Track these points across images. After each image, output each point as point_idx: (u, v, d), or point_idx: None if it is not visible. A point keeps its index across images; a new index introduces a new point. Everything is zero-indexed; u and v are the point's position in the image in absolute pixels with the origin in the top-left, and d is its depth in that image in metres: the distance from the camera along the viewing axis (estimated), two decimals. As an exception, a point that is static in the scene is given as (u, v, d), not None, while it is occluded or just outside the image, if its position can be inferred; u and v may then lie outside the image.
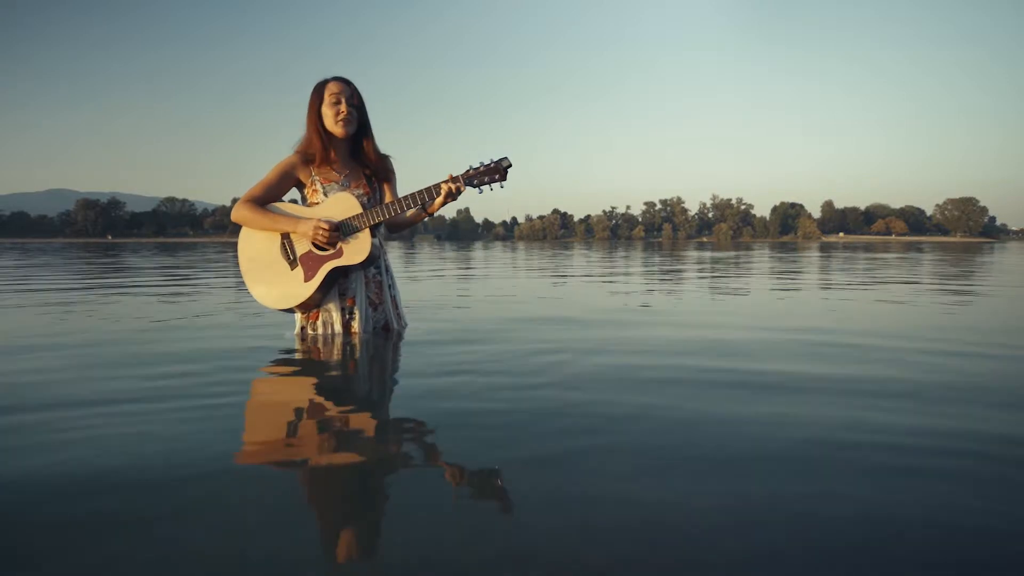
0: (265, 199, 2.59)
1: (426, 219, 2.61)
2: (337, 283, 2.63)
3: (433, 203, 2.47)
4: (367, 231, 2.51)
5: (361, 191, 2.63)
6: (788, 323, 3.39)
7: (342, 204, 2.52)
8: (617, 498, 1.13)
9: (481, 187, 2.44)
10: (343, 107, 2.54)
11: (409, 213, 2.55)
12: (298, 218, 2.53)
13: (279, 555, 0.94)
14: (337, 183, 2.61)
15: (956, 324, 3.42)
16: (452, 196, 2.45)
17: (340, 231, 2.50)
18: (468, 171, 2.44)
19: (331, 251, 2.51)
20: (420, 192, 2.45)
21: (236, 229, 2.67)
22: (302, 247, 2.54)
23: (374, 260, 2.64)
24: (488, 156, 2.43)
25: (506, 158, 2.44)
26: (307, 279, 2.53)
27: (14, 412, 1.66)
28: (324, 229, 2.45)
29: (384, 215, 2.47)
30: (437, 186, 2.45)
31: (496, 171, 2.43)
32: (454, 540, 0.98)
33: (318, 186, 2.61)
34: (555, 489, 1.17)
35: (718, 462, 1.30)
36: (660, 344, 2.69)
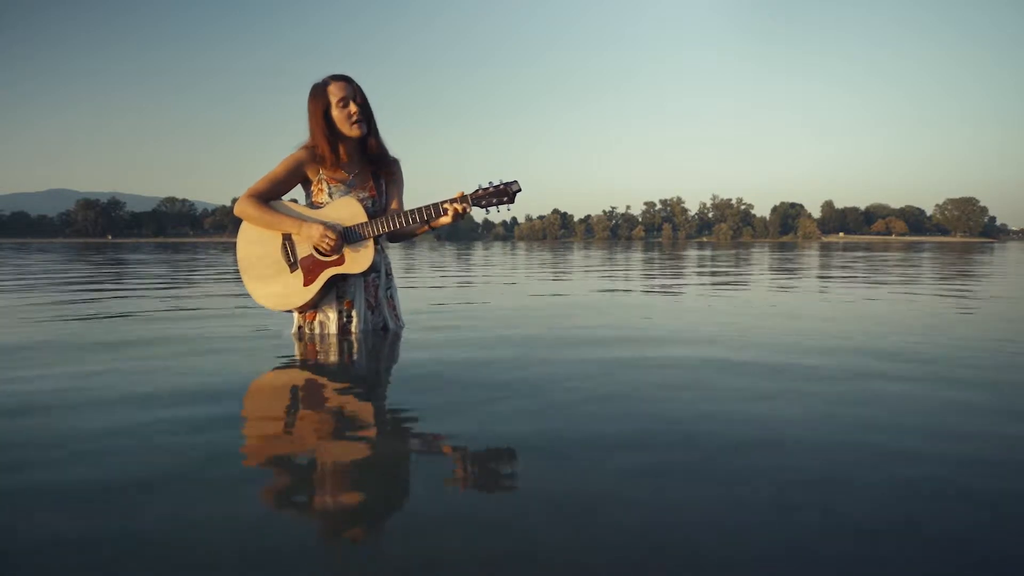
0: (271, 194, 2.56)
1: (428, 230, 2.58)
2: (335, 286, 2.64)
3: (439, 220, 2.47)
4: (371, 240, 2.51)
5: (367, 194, 2.61)
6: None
7: (347, 210, 2.51)
8: (619, 498, 1.12)
9: (488, 208, 2.46)
10: (353, 108, 2.50)
11: (415, 225, 2.56)
12: (302, 220, 2.51)
13: (279, 553, 0.94)
14: (345, 183, 2.59)
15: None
16: (459, 216, 2.45)
17: (344, 238, 2.50)
18: (477, 191, 2.45)
19: (333, 257, 2.52)
20: (427, 207, 2.46)
21: (236, 230, 2.67)
22: (303, 250, 2.54)
23: (375, 268, 2.66)
24: (498, 177, 2.44)
25: (516, 182, 2.45)
26: (306, 283, 2.54)
27: (14, 413, 1.67)
28: (331, 238, 2.45)
29: (389, 226, 2.47)
30: (444, 204, 2.45)
31: (504, 194, 2.43)
32: (455, 540, 0.97)
33: (324, 186, 2.59)
34: (557, 488, 1.17)
35: (720, 466, 1.30)
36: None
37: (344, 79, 2.53)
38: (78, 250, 24.42)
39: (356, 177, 2.62)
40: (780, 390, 1.87)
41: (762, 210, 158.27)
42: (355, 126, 2.51)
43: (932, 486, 1.16)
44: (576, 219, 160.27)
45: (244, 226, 2.61)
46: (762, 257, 15.70)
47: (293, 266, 2.55)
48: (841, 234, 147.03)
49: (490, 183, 2.44)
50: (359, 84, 2.56)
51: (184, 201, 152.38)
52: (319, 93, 2.51)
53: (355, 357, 2.36)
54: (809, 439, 1.43)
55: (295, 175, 2.59)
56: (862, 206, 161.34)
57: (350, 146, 2.59)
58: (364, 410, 1.74)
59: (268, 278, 2.57)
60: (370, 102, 2.59)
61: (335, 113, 2.50)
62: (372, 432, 1.55)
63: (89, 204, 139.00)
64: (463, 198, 2.44)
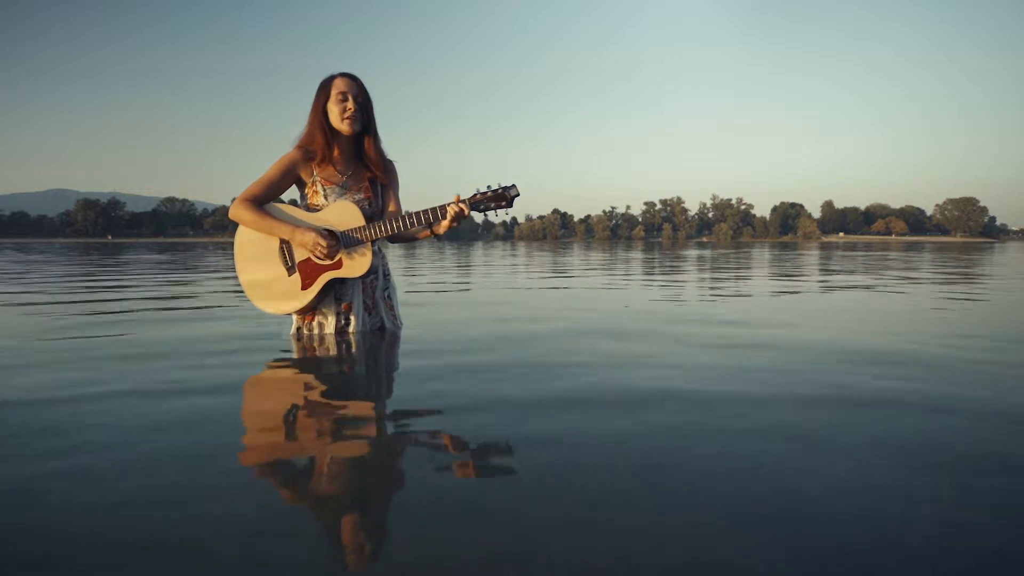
0: (265, 198, 2.56)
1: (431, 236, 2.56)
2: (333, 288, 2.65)
3: (439, 224, 2.48)
4: (368, 245, 2.51)
5: (363, 195, 2.61)
6: None
7: (344, 213, 2.51)
8: (620, 495, 1.12)
9: (486, 212, 2.47)
10: (350, 104, 2.50)
11: (414, 229, 2.56)
12: (298, 224, 2.51)
13: (277, 553, 0.93)
14: (339, 184, 2.59)
15: None
16: (457, 220, 2.46)
17: (340, 242, 2.51)
18: (475, 195, 2.46)
19: (331, 261, 2.52)
20: (425, 212, 2.46)
21: (235, 230, 2.67)
22: (301, 254, 2.54)
23: (373, 269, 2.67)
24: (497, 182, 2.46)
25: (514, 186, 2.47)
26: (304, 287, 2.54)
27: (11, 408, 1.67)
28: (323, 247, 2.46)
29: (387, 231, 2.47)
30: (443, 208, 2.45)
31: (503, 198, 2.45)
32: (454, 539, 0.97)
33: (319, 187, 2.59)
34: (557, 486, 1.16)
35: (721, 468, 1.31)
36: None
37: (351, 77, 2.55)
38: (81, 250, 24.38)
39: (350, 178, 2.62)
40: None
41: (762, 210, 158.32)
42: (345, 121, 2.51)
43: None
44: (576, 219, 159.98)
45: (241, 231, 2.61)
46: (786, 256, 15.67)
47: (291, 269, 2.55)
48: (841, 234, 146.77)
49: (488, 187, 2.46)
50: (367, 88, 2.58)
51: (184, 201, 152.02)
52: (324, 85, 2.54)
53: (353, 357, 2.37)
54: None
55: (289, 176, 2.59)
56: (862, 206, 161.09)
57: (343, 144, 2.59)
58: (362, 409, 1.75)
59: (266, 282, 2.58)
60: (372, 103, 2.60)
61: (331, 106, 2.52)
62: (369, 431, 1.55)
63: (89, 204, 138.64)
64: (460, 202, 2.45)
